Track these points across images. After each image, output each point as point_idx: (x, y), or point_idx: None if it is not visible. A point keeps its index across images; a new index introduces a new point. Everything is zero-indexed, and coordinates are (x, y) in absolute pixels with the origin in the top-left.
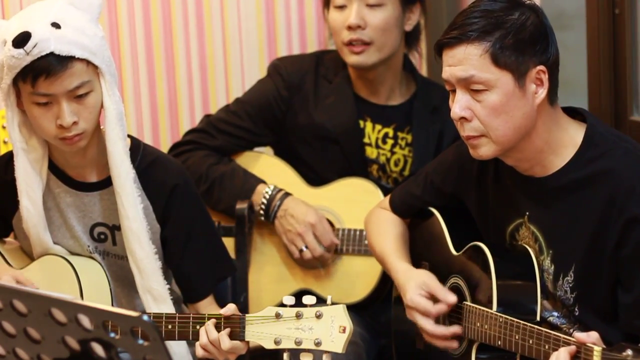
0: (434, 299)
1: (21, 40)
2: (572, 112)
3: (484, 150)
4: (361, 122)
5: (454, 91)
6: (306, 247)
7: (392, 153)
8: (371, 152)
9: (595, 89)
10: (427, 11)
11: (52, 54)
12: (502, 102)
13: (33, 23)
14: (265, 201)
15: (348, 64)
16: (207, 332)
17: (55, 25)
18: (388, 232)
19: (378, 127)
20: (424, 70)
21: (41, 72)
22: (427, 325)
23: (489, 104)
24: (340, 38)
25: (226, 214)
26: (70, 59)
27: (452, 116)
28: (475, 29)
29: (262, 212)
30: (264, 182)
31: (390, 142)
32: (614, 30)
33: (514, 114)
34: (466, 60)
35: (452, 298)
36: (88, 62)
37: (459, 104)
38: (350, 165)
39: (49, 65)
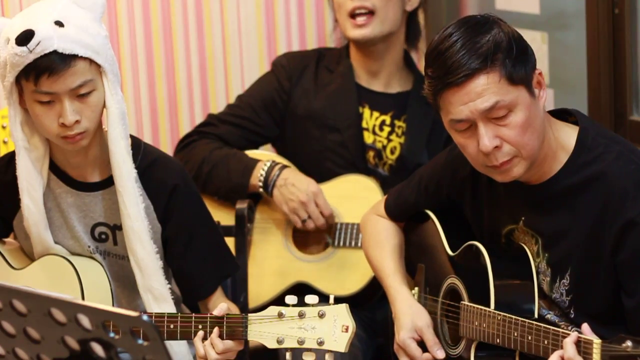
0: (424, 345)
1: (24, 38)
2: (565, 114)
3: (517, 170)
4: (360, 109)
5: (466, 130)
6: (309, 217)
7: (389, 140)
8: (368, 137)
9: (595, 89)
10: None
11: (55, 52)
12: (527, 116)
13: (36, 21)
14: (263, 172)
15: (351, 39)
16: (207, 353)
17: (59, 24)
18: (385, 246)
19: (376, 114)
20: (422, 68)
21: (44, 70)
22: None
23: (517, 123)
24: (344, 10)
25: (230, 196)
26: (73, 57)
27: (484, 150)
28: (479, 61)
29: (260, 183)
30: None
31: (387, 129)
32: (614, 30)
33: (536, 124)
34: (486, 91)
35: (441, 354)
36: (91, 61)
37: (488, 136)
38: (349, 152)
39: (52, 64)
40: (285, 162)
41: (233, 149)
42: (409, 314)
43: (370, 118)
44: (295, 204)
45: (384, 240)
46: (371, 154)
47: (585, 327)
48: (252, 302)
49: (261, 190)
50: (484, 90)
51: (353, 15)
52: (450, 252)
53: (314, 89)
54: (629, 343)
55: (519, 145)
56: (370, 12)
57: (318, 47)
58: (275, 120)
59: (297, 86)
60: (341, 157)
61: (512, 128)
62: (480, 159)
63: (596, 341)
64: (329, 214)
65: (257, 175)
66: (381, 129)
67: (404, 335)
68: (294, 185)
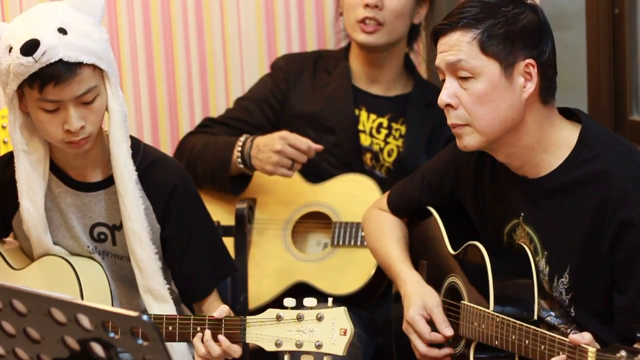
0: (433, 324)
1: (29, 48)
2: (568, 113)
3: (468, 140)
4: (356, 111)
5: (443, 81)
6: (293, 161)
7: (386, 143)
8: (365, 140)
9: (595, 89)
10: (433, 11)
11: (60, 61)
12: (488, 90)
13: (40, 29)
14: (239, 149)
15: (356, 42)
16: (210, 349)
17: (62, 31)
18: (390, 236)
19: (373, 116)
20: (423, 72)
21: (50, 79)
22: (420, 346)
23: (474, 92)
24: (354, 15)
25: (216, 178)
26: (79, 65)
27: (439, 103)
28: (467, 16)
29: (239, 160)
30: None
31: (384, 132)
32: (614, 30)
33: (499, 104)
34: (456, 46)
35: (449, 332)
36: (95, 67)
37: (446, 91)
38: (345, 154)
39: (58, 73)
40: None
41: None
42: (420, 292)
43: (367, 120)
44: (274, 158)
45: (389, 231)
46: (368, 156)
47: (586, 334)
48: (253, 303)
49: (242, 166)
50: (455, 45)
51: (362, 20)
52: (451, 251)
53: (311, 90)
54: (623, 353)
55: (471, 115)
56: (380, 23)
57: (317, 49)
58: (270, 121)
59: (295, 88)
60: (337, 159)
61: (470, 95)
62: (445, 114)
63: (591, 350)
64: (308, 147)
65: (236, 152)
66: (378, 132)
67: (413, 312)
68: (264, 144)
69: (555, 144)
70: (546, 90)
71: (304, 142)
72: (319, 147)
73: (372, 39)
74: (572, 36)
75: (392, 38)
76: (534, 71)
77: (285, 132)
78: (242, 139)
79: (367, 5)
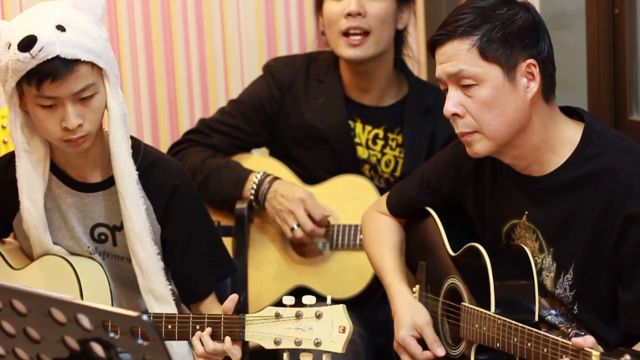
0: (424, 342)
1: (27, 44)
2: (570, 112)
3: (479, 147)
4: (351, 123)
5: (445, 90)
6: (298, 225)
7: (383, 154)
8: (362, 152)
9: (595, 89)
10: (416, 14)
11: (57, 57)
12: (493, 96)
13: (38, 26)
14: (254, 185)
15: (343, 58)
16: (205, 344)
17: (60, 28)
18: (385, 243)
19: (368, 128)
20: (423, 77)
21: (47, 76)
22: None
23: (480, 98)
24: (337, 27)
25: (223, 206)
26: (76, 62)
27: (445, 113)
28: (462, 24)
29: (252, 196)
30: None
31: (380, 143)
32: (614, 30)
33: (505, 108)
34: (455, 56)
35: (441, 352)
36: (93, 65)
37: (451, 101)
38: (341, 165)
39: (55, 69)
40: (278, 164)
41: (224, 157)
42: (409, 312)
43: (362, 132)
44: (284, 214)
45: (384, 237)
46: (366, 167)
47: (588, 338)
48: (253, 307)
49: (253, 203)
50: (454, 54)
51: (346, 33)
52: (451, 252)
53: (304, 99)
54: (627, 357)
55: (478, 121)
56: (365, 32)
57: (310, 52)
58: (266, 128)
59: (288, 95)
60: (334, 169)
61: (475, 102)
62: (451, 124)
63: (595, 353)
64: (321, 218)
65: (249, 188)
66: (374, 143)
67: (403, 333)
68: (282, 196)
69: (560, 141)
70: (547, 87)
71: (319, 212)
72: (327, 214)
73: (359, 52)
74: (572, 36)
75: (380, 47)
76: (535, 70)
77: (305, 193)
78: (258, 175)
79: (349, 15)
